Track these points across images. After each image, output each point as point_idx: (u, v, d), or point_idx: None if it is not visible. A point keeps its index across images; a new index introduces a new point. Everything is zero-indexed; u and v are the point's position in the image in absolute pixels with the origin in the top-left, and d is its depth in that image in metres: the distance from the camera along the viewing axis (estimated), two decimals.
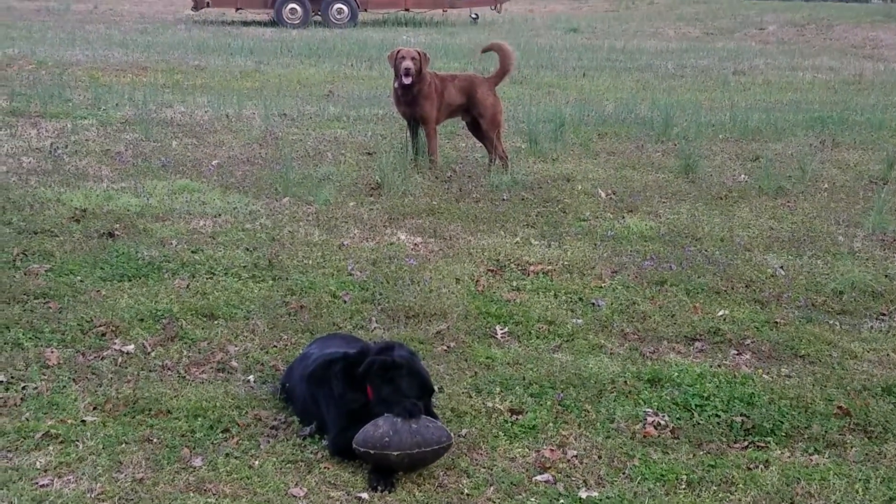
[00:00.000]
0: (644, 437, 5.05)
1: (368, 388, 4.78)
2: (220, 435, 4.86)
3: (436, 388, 4.91)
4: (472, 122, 10.71)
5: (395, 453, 4.47)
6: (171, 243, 7.56)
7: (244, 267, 7.15)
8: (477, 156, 11.41)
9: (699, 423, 5.21)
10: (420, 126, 10.58)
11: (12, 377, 5.28)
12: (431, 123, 10.47)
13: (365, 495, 4.40)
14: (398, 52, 10.26)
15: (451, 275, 7.29)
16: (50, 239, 7.43)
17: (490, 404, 5.31)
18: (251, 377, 5.53)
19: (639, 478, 4.65)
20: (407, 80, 10.06)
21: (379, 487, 4.46)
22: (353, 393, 4.75)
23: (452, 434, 4.69)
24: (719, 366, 5.94)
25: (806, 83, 19.52)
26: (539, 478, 4.62)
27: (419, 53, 10.10)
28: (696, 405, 5.37)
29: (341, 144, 11.77)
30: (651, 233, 8.56)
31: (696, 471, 4.74)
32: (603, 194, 9.80)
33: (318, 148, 11.53)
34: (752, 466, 4.82)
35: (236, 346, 5.88)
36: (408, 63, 10.02)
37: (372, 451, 4.50)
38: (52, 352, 5.59)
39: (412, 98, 10.25)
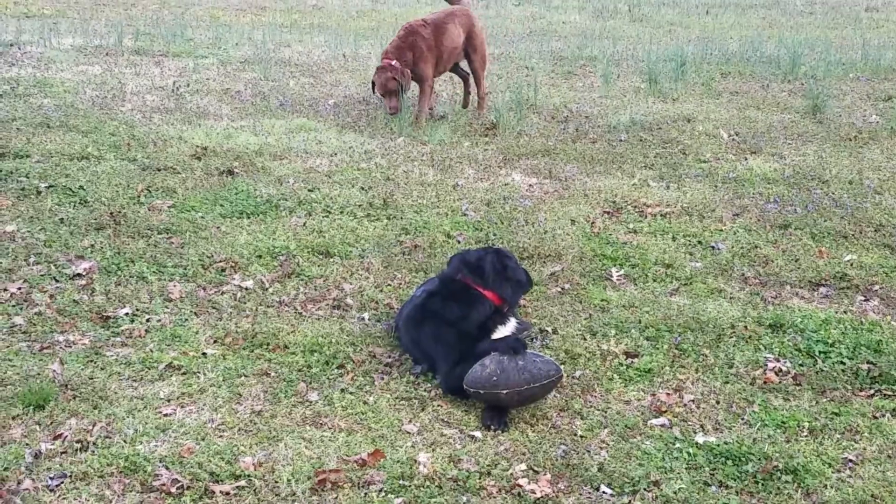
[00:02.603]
0: (764, 383, 4.93)
1: (488, 294, 5.01)
2: (336, 371, 4.92)
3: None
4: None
5: (505, 392, 4.45)
6: (289, 181, 7.64)
7: (359, 206, 7.19)
8: (594, 95, 11.21)
9: (823, 370, 5.05)
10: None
11: (137, 309, 5.44)
12: (427, 82, 9.61)
13: (478, 434, 4.41)
14: (372, 83, 9.48)
15: (567, 216, 7.20)
16: (172, 175, 7.59)
17: (605, 347, 5.25)
18: (366, 315, 5.57)
19: (758, 424, 4.54)
20: (394, 112, 9.43)
21: (492, 426, 4.45)
22: (474, 308, 4.88)
23: (561, 367, 4.65)
24: (845, 312, 5.74)
25: None
26: (654, 421, 4.55)
27: (396, 77, 9.19)
28: (819, 351, 5.21)
29: (457, 84, 11.68)
30: (775, 175, 8.29)
31: (819, 418, 4.61)
32: (725, 135, 9.53)
33: (433, 87, 11.45)
34: (878, 415, 4.66)
35: (351, 284, 5.93)
36: (392, 103, 9.35)
37: (482, 391, 4.51)
38: (175, 286, 5.73)
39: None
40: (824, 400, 4.81)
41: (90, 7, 17.14)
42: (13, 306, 5.33)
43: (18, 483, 3.80)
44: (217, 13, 17.01)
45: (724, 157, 8.82)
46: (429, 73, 9.50)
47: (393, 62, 9.19)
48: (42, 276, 5.71)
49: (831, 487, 4.10)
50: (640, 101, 10.86)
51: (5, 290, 5.48)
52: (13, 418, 4.27)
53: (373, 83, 9.42)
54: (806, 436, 4.47)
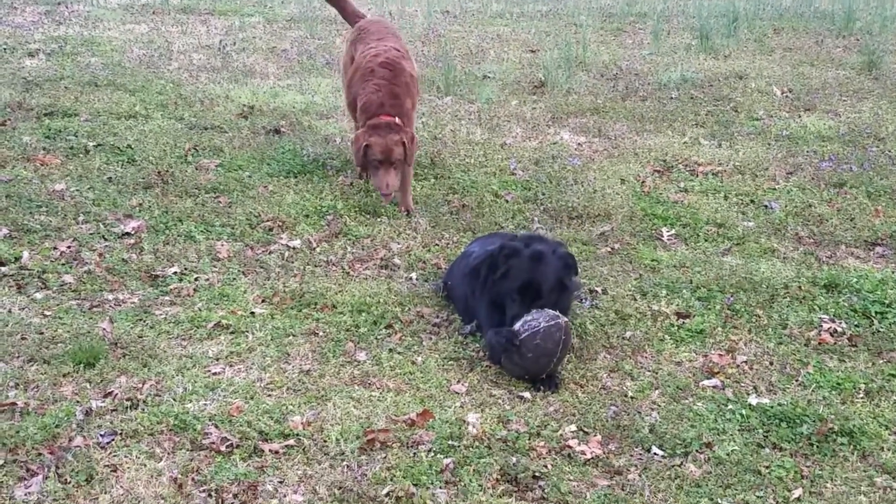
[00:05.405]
0: (819, 344, 4.84)
1: None
2: (384, 330, 4.89)
3: (545, 292, 4.57)
4: None
5: (543, 375, 4.43)
6: (335, 140, 7.60)
7: None
8: (644, 52, 11.02)
9: (879, 331, 4.95)
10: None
11: (185, 268, 5.44)
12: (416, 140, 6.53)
13: (527, 394, 4.36)
14: (366, 147, 6.13)
15: (616, 175, 7.10)
16: (219, 135, 7.58)
17: (655, 307, 5.17)
18: (413, 275, 5.53)
19: (813, 385, 4.46)
20: (389, 195, 6.25)
21: (542, 387, 4.41)
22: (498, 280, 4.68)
23: (558, 315, 4.42)
24: None
25: None
26: (706, 383, 4.48)
27: (403, 143, 6.15)
28: (875, 312, 5.10)
29: (504, 42, 11.57)
30: (830, 132, 8.12)
31: (876, 380, 4.51)
32: (778, 92, 9.34)
33: (480, 45, 11.36)
34: None
35: (399, 244, 5.89)
36: (391, 181, 6.14)
37: (530, 378, 4.47)
38: (223, 245, 5.73)
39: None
40: (881, 361, 4.71)
41: None
42: (63, 265, 5.36)
43: (70, 440, 3.82)
44: None
45: (777, 115, 8.65)
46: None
47: (396, 120, 6.24)
48: (91, 234, 5.73)
49: (888, 450, 4.02)
50: (691, 57, 10.67)
51: (55, 248, 5.50)
52: (64, 376, 4.30)
53: (364, 147, 6.12)
54: (862, 397, 4.39)
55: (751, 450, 4.00)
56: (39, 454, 3.73)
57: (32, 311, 4.87)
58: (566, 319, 4.46)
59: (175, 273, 5.37)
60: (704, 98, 9.13)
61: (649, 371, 4.59)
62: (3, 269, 5.26)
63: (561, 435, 4.05)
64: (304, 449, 3.88)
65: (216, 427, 3.96)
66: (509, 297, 4.59)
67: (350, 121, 6.98)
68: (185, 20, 12.03)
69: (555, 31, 12.07)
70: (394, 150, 6.08)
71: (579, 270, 4.93)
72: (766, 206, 6.58)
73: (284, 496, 3.59)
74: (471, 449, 3.92)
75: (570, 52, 10.12)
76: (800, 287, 5.39)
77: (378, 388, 4.36)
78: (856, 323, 5.04)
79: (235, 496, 3.56)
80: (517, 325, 4.45)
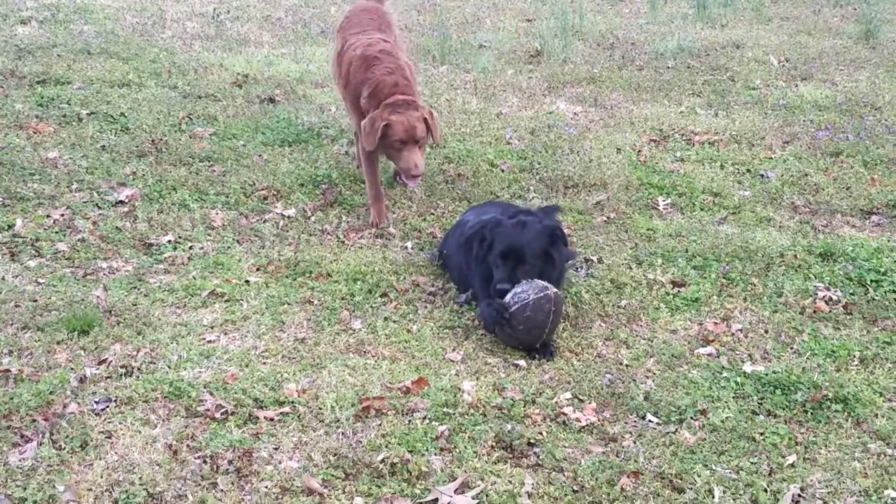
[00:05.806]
0: (814, 312, 4.83)
1: None
2: (379, 299, 4.88)
3: (528, 257, 4.58)
4: None
5: (539, 342, 4.43)
6: (330, 110, 7.57)
7: None
8: (641, 21, 10.97)
9: (874, 299, 4.95)
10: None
11: (180, 237, 5.42)
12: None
13: (522, 362, 4.36)
14: (385, 126, 5.51)
15: (612, 144, 7.07)
16: (213, 103, 7.54)
17: (651, 276, 5.17)
18: (409, 244, 5.52)
19: (808, 353, 4.46)
20: (417, 177, 5.63)
21: (537, 356, 4.41)
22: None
23: (547, 287, 4.43)
24: None
25: None
26: (701, 350, 4.48)
27: (425, 120, 5.59)
28: (871, 280, 5.10)
29: (500, 10, 11.51)
30: (826, 101, 8.09)
31: (871, 347, 4.52)
32: (775, 61, 9.30)
33: (476, 14, 11.29)
34: None
35: (394, 213, 5.87)
36: (418, 160, 5.56)
37: (526, 348, 4.47)
38: (217, 213, 5.70)
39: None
40: (875, 329, 4.71)
41: None
42: (56, 232, 5.34)
43: (64, 407, 3.82)
44: None
45: (774, 84, 8.62)
46: None
47: (412, 98, 5.70)
48: (85, 202, 5.71)
49: (882, 416, 4.02)
50: (688, 27, 10.62)
51: (48, 216, 5.48)
52: (58, 343, 4.29)
53: (384, 127, 5.51)
54: (856, 365, 4.39)
55: (745, 417, 4.00)
56: (34, 420, 3.72)
57: (26, 279, 4.85)
58: (556, 290, 4.46)
59: (169, 241, 5.35)
60: (701, 67, 9.10)
61: (644, 339, 4.59)
62: None
63: (556, 402, 4.05)
64: (299, 416, 3.88)
65: (211, 394, 3.96)
66: (494, 264, 4.60)
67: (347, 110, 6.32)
68: None
69: (551, 0, 12.00)
70: (417, 128, 5.52)
71: (568, 242, 4.92)
72: (762, 176, 6.57)
73: (279, 463, 3.59)
74: (466, 416, 3.92)
75: (566, 21, 10.07)
76: (795, 255, 5.38)
77: (373, 356, 4.36)
78: (851, 291, 5.03)
79: (230, 462, 3.56)
80: (507, 298, 4.44)
